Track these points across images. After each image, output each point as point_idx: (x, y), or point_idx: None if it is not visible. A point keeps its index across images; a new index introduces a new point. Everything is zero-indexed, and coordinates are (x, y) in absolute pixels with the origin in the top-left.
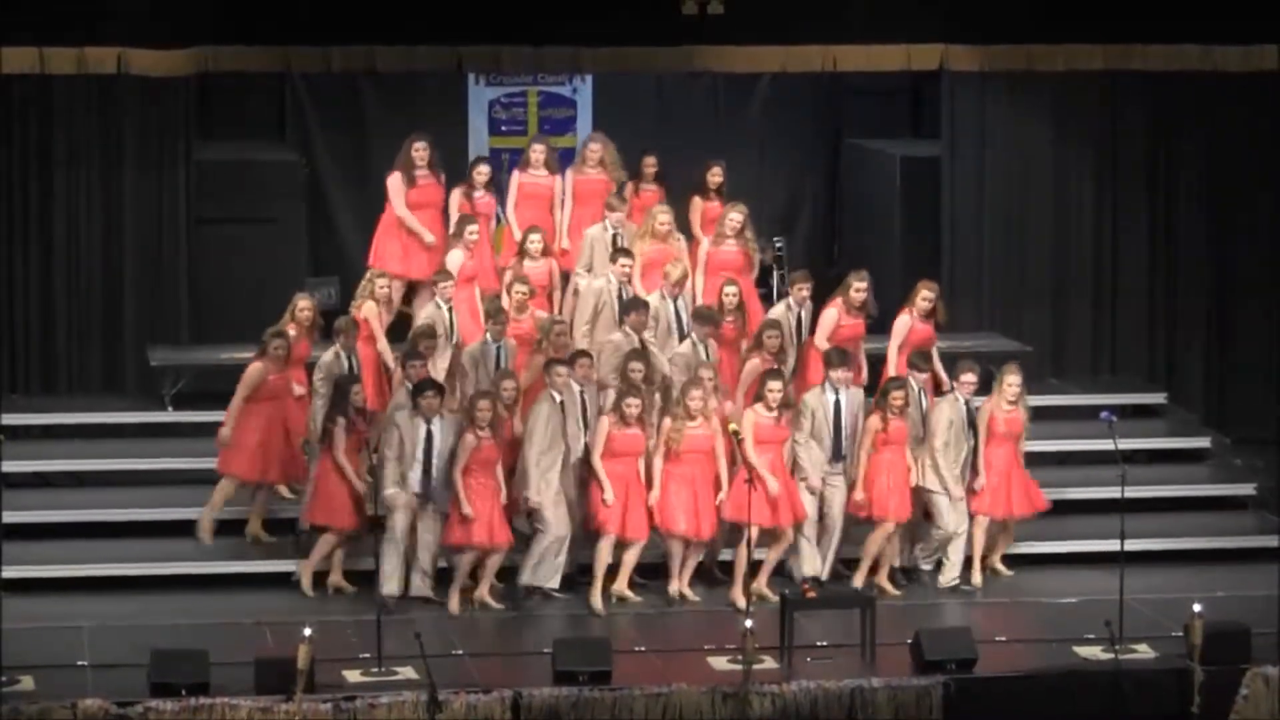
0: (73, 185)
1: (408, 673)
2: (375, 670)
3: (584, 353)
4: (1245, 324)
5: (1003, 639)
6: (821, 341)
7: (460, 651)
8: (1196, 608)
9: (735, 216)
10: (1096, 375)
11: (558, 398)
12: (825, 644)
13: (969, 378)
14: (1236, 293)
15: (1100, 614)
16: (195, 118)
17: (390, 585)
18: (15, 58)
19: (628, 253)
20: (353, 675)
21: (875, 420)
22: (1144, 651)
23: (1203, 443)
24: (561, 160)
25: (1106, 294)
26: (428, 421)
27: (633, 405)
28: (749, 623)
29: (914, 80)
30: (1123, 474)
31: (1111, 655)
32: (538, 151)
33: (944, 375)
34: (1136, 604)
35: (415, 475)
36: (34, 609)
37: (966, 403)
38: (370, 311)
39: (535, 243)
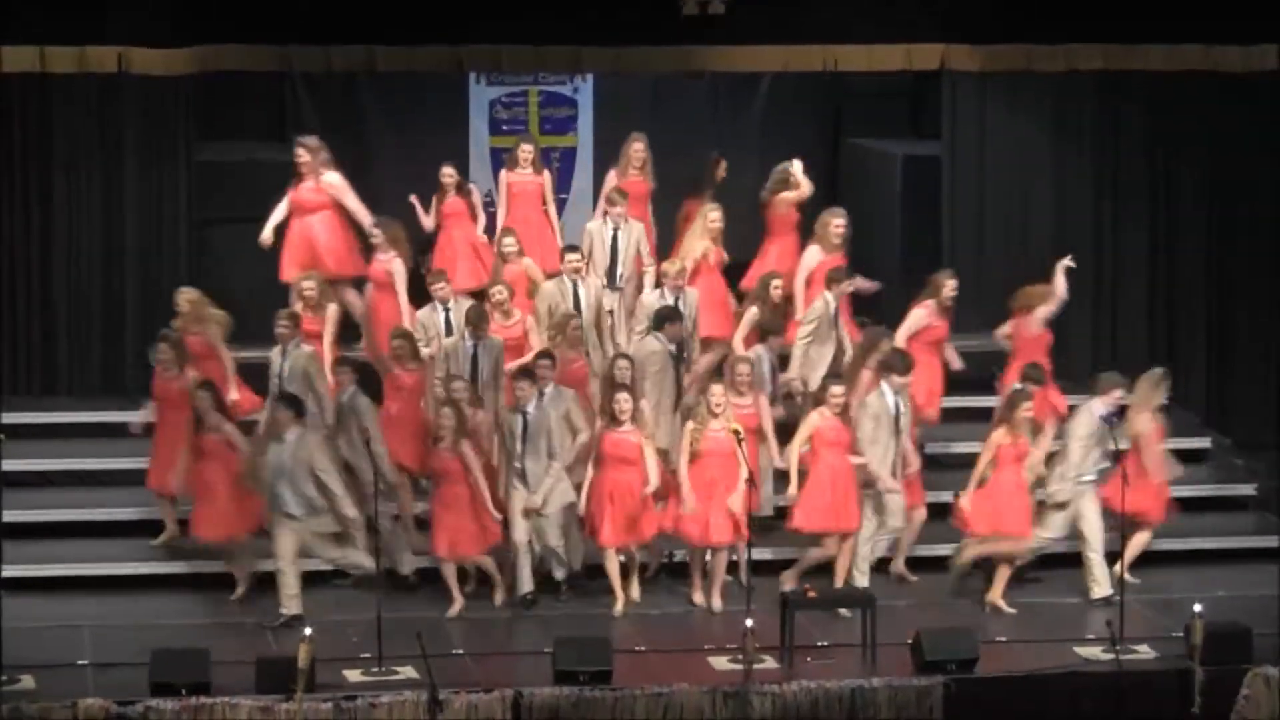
0: (73, 185)
1: (408, 672)
2: (376, 670)
3: (547, 354)
4: (1246, 324)
5: (1003, 639)
6: (902, 339)
7: (460, 651)
8: (1197, 608)
9: (840, 222)
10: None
11: (521, 410)
12: (826, 644)
13: (1118, 393)
14: (1237, 293)
15: (1101, 614)
16: (195, 117)
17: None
18: (15, 57)
19: (574, 249)
20: (353, 675)
21: (1000, 434)
22: (1145, 652)
23: (1203, 443)
24: (562, 160)
25: (1107, 294)
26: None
27: (624, 400)
28: (749, 622)
29: (914, 80)
30: (1124, 474)
31: (1112, 655)
32: (525, 151)
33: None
34: (1137, 604)
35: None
36: (34, 608)
37: (1107, 415)
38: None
39: (510, 245)
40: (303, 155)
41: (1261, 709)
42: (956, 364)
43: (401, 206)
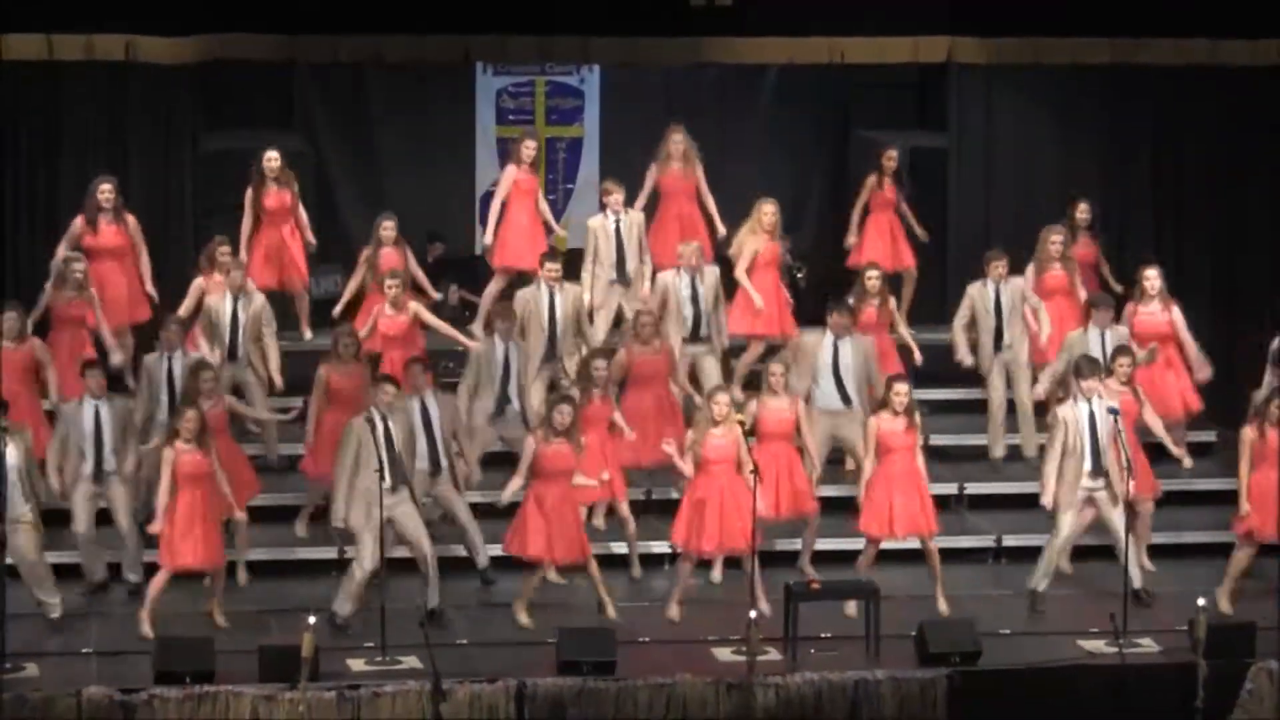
0: (79, 173)
1: (411, 662)
2: (379, 659)
3: (419, 360)
4: (1250, 318)
5: (1007, 632)
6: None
7: (464, 641)
8: (1201, 602)
9: (1057, 239)
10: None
11: (376, 418)
12: (829, 636)
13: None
14: (1241, 287)
15: (1105, 608)
16: (202, 107)
17: None
18: (23, 45)
19: (553, 255)
20: (357, 664)
21: (1249, 432)
22: (1148, 646)
23: (1208, 437)
24: (569, 151)
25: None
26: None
27: (565, 413)
28: (753, 614)
29: (921, 73)
30: (1127, 467)
31: (1116, 649)
32: (530, 148)
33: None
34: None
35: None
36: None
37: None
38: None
39: (393, 288)
40: (107, 192)
41: (1265, 704)
42: (1202, 367)
43: (405, 198)
